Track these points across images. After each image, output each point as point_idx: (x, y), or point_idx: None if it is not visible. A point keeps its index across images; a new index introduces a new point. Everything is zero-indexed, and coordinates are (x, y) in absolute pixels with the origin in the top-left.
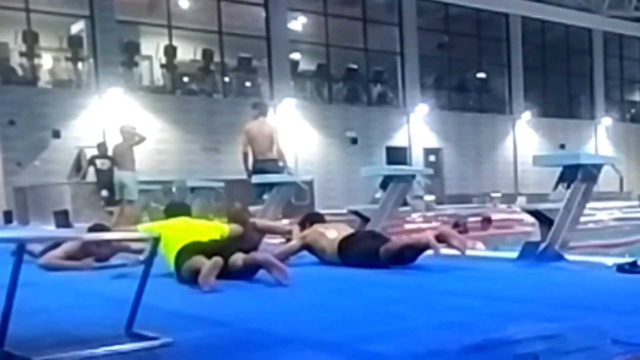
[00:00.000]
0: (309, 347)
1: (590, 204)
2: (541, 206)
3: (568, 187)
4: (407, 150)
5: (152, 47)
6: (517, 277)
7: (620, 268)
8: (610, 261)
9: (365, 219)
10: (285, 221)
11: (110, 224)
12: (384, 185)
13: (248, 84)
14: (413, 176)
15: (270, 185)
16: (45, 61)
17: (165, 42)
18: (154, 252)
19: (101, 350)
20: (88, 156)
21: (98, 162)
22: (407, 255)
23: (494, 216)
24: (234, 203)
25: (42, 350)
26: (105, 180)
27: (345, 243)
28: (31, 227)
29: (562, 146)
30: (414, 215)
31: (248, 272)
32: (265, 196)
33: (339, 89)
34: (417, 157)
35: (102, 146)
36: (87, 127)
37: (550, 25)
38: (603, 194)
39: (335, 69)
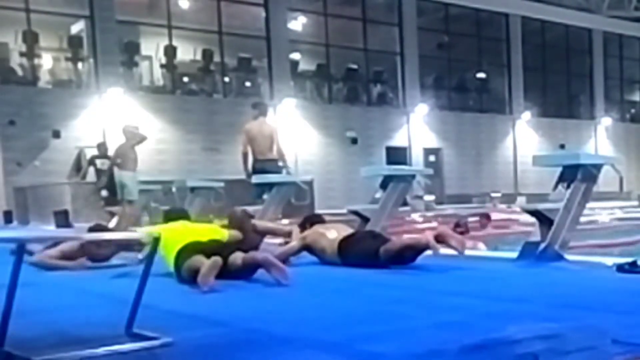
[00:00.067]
0: (309, 347)
1: (590, 204)
2: (541, 206)
3: (568, 187)
4: (407, 150)
5: (152, 47)
6: (517, 277)
7: (620, 268)
8: (610, 261)
9: (365, 219)
10: (285, 221)
11: (110, 224)
12: (383, 185)
13: (248, 84)
14: (413, 176)
15: (270, 185)
16: (45, 61)
17: (165, 42)
18: (153, 252)
19: (101, 350)
20: (88, 156)
21: (98, 162)
22: (406, 256)
23: (494, 216)
24: (236, 208)
25: (42, 350)
26: (105, 180)
27: (345, 243)
28: (31, 227)
29: (562, 146)
30: (414, 215)
31: (247, 271)
32: (265, 196)
33: (338, 89)
34: (417, 157)
35: (102, 146)
36: (87, 127)
37: (550, 25)
38: (603, 194)
39: (335, 69)
